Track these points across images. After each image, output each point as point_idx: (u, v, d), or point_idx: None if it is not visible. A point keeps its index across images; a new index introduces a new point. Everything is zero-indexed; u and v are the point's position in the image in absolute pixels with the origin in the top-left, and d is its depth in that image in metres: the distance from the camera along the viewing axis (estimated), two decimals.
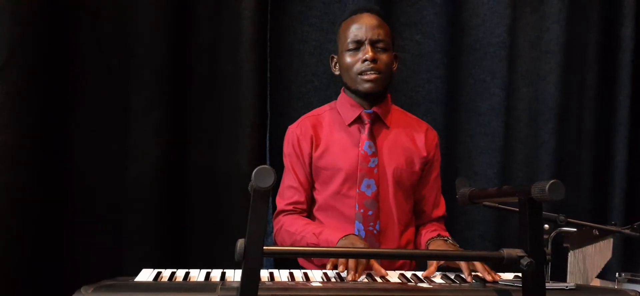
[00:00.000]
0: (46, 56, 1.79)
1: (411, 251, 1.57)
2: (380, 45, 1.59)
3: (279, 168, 1.70)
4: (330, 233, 1.49)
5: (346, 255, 1.25)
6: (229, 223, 2.03)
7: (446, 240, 1.55)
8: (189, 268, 1.28)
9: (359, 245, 1.41)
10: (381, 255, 1.30)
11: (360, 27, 1.58)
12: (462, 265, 1.32)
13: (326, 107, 1.73)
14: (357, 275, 1.24)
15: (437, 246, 1.53)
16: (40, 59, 1.76)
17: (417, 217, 1.71)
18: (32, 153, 1.74)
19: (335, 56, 1.69)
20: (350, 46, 1.59)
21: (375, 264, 1.33)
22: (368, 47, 1.56)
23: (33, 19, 1.72)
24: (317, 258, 1.57)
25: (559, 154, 2.40)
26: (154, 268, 1.26)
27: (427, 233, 1.64)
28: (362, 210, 1.57)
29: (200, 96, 2.05)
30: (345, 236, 1.45)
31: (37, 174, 1.76)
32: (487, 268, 1.31)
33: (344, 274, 1.27)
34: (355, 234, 1.50)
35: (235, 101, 2.05)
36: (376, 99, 1.63)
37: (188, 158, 2.03)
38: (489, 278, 1.26)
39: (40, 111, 1.78)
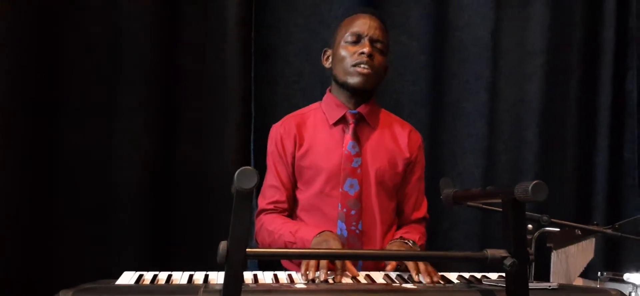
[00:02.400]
0: (32, 55, 1.77)
1: (404, 252, 1.56)
2: (378, 45, 1.60)
3: (263, 169, 1.69)
4: (306, 231, 1.49)
5: (325, 256, 1.24)
6: (215, 222, 2.02)
7: (405, 242, 1.54)
8: (176, 267, 1.27)
9: (333, 242, 1.40)
10: (359, 256, 1.29)
11: (364, 24, 1.60)
12: (410, 264, 1.32)
13: (311, 106, 1.73)
14: (327, 273, 1.24)
15: (392, 247, 1.53)
16: (26, 58, 1.74)
17: (398, 217, 1.71)
18: (18, 152, 1.72)
19: (329, 50, 1.69)
20: (350, 39, 1.60)
21: (349, 264, 1.32)
22: (367, 42, 1.58)
23: (18, 18, 1.70)
24: (309, 259, 1.55)
25: (542, 155, 2.42)
26: (141, 269, 1.25)
27: (397, 234, 1.64)
28: (344, 210, 1.57)
29: (186, 96, 2.04)
30: (320, 233, 1.45)
31: (23, 174, 1.74)
32: (429, 269, 1.30)
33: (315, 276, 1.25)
34: (330, 231, 1.48)
35: (221, 100, 2.04)
36: (362, 99, 1.63)
37: (174, 157, 2.02)
38: (427, 279, 1.25)
39: (27, 111, 1.76)
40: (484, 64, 2.32)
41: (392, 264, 1.39)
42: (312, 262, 1.27)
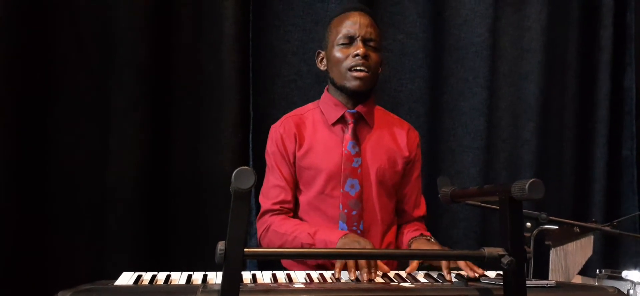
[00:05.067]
0: (24, 55, 1.76)
1: (399, 251, 1.57)
2: (371, 43, 1.58)
3: (261, 169, 1.68)
4: (326, 232, 1.47)
5: (331, 256, 1.24)
6: (212, 223, 2.01)
7: (429, 239, 1.55)
8: (172, 268, 1.27)
9: (364, 242, 1.38)
10: (365, 255, 1.29)
11: (354, 23, 1.58)
12: (443, 263, 1.32)
13: (309, 106, 1.71)
14: (373, 273, 1.23)
15: (420, 245, 1.53)
16: (16, 58, 1.73)
17: (398, 216, 1.71)
18: (10, 153, 1.71)
19: (322, 52, 1.68)
20: (342, 41, 1.58)
21: (379, 262, 1.32)
22: (360, 43, 1.56)
23: (8, 17, 1.69)
24: (309, 259, 1.54)
25: (540, 153, 2.42)
26: (137, 269, 1.24)
27: (409, 233, 1.64)
28: (346, 210, 1.56)
29: (182, 96, 2.03)
30: (345, 235, 1.44)
31: (16, 175, 1.73)
32: (470, 264, 1.32)
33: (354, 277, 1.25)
34: (354, 232, 1.49)
35: (217, 100, 2.03)
36: (360, 99, 1.63)
37: (170, 158, 2.02)
38: (472, 274, 1.27)
39: (19, 111, 1.75)
40: (482, 62, 2.32)
41: (413, 265, 1.36)
42: (351, 263, 1.25)
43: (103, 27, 1.92)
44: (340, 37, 1.58)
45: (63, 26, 1.87)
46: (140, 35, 1.93)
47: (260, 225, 1.62)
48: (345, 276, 1.26)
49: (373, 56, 1.58)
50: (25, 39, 1.78)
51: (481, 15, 2.32)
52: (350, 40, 1.58)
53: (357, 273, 1.24)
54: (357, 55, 1.55)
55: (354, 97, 1.61)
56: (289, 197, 1.61)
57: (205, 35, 2.05)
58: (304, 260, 1.57)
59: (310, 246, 1.46)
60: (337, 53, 1.59)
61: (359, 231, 1.56)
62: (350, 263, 1.25)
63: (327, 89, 1.69)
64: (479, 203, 1.67)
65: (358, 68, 1.55)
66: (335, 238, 1.43)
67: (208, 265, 1.25)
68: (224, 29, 2.02)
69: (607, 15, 2.51)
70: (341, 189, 1.57)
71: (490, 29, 2.33)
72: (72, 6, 1.88)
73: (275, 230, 1.55)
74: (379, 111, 1.71)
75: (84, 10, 1.90)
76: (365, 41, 1.57)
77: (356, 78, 1.56)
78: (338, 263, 1.29)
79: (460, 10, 2.33)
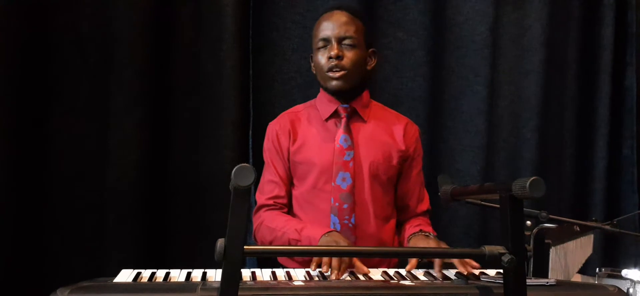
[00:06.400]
0: (22, 55, 1.76)
1: (391, 248, 1.57)
2: (347, 42, 1.59)
3: (261, 167, 1.69)
4: (312, 229, 1.49)
5: (327, 253, 1.24)
6: (211, 221, 2.01)
7: (428, 236, 1.55)
8: (172, 267, 1.26)
9: (342, 243, 1.41)
10: (362, 253, 1.29)
11: (328, 25, 1.60)
12: (436, 261, 1.32)
13: (306, 104, 1.73)
14: (340, 273, 1.25)
15: (417, 242, 1.53)
16: (15, 58, 1.73)
17: (402, 212, 1.71)
18: (10, 153, 1.71)
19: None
20: (320, 44, 1.61)
21: (357, 262, 1.33)
22: (334, 44, 1.58)
23: (7, 17, 1.69)
24: (307, 256, 1.56)
25: (541, 152, 2.42)
26: (137, 267, 1.24)
27: (410, 229, 1.64)
28: (337, 203, 1.57)
29: (182, 94, 2.03)
30: (328, 233, 1.45)
31: (15, 175, 1.73)
32: (463, 261, 1.32)
33: (327, 273, 1.26)
34: (337, 232, 1.50)
35: (217, 99, 2.03)
36: (350, 96, 1.63)
37: (170, 157, 2.02)
38: (463, 270, 1.27)
39: (17, 111, 1.75)
40: (482, 61, 2.32)
41: (412, 263, 1.38)
42: (326, 259, 1.28)
43: (101, 27, 1.91)
44: (318, 41, 1.61)
45: (63, 26, 1.87)
46: (138, 34, 1.92)
47: (255, 220, 1.65)
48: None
49: (349, 54, 1.58)
50: (25, 39, 1.77)
51: (482, 14, 2.32)
52: (326, 42, 1.60)
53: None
54: (330, 57, 1.57)
55: (339, 96, 1.62)
56: (283, 193, 1.64)
57: (205, 33, 2.04)
58: (292, 256, 1.61)
59: (297, 242, 1.48)
60: (318, 57, 1.62)
61: (350, 225, 1.57)
62: (325, 260, 1.29)
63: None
64: (480, 201, 1.66)
65: (333, 68, 1.57)
66: (318, 235, 1.45)
67: (207, 262, 1.25)
68: (224, 26, 2.02)
69: (608, 14, 2.51)
70: (333, 183, 1.58)
71: (491, 27, 2.32)
72: (72, 6, 1.88)
73: (267, 225, 1.58)
74: (376, 106, 1.71)
75: (84, 10, 1.90)
76: (340, 41, 1.58)
77: (332, 78, 1.58)
78: (314, 261, 1.32)
79: (461, 8, 2.33)
